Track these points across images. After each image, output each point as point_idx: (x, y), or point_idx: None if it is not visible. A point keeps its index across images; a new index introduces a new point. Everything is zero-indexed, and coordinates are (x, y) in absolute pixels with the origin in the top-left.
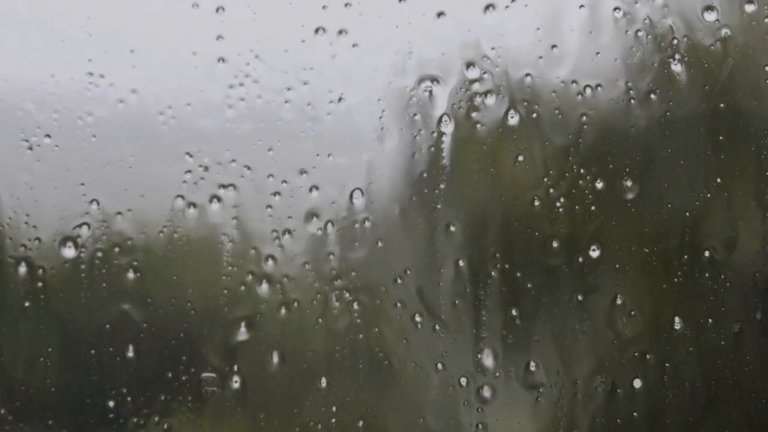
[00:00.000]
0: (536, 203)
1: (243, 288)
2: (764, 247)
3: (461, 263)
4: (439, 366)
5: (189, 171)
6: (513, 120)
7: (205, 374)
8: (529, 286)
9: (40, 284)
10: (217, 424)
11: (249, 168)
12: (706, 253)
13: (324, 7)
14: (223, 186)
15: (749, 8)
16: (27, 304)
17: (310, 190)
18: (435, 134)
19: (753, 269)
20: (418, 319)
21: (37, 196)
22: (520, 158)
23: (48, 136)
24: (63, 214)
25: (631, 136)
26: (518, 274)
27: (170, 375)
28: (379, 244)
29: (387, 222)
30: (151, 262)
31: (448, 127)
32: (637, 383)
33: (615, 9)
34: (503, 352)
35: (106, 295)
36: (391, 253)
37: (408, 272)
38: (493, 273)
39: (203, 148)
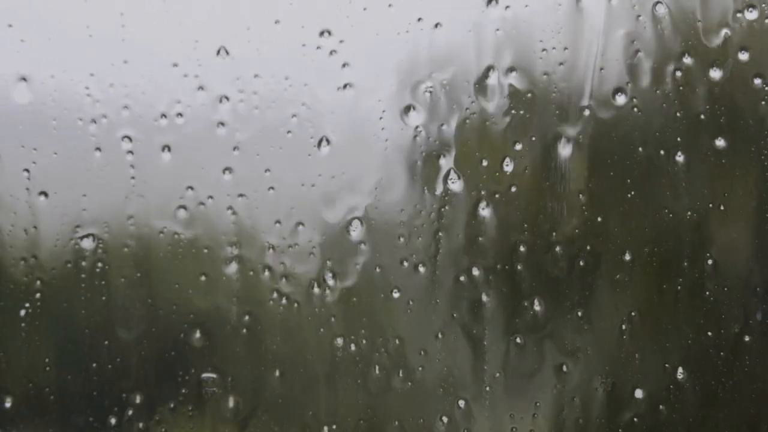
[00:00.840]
0: (541, 220)
1: (243, 290)
2: (765, 249)
3: (462, 279)
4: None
5: (189, 177)
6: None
7: (205, 375)
8: (532, 305)
9: (38, 295)
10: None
11: (248, 178)
12: (707, 255)
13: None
14: (225, 194)
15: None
16: (26, 306)
17: (311, 193)
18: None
19: (753, 270)
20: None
21: (37, 198)
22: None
23: (47, 138)
24: (64, 219)
25: (632, 139)
26: (522, 287)
27: (171, 376)
28: (378, 256)
29: (386, 243)
30: (152, 264)
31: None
32: (639, 393)
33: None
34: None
35: (106, 298)
36: (391, 263)
37: (408, 283)
38: (488, 293)
39: (203, 152)
